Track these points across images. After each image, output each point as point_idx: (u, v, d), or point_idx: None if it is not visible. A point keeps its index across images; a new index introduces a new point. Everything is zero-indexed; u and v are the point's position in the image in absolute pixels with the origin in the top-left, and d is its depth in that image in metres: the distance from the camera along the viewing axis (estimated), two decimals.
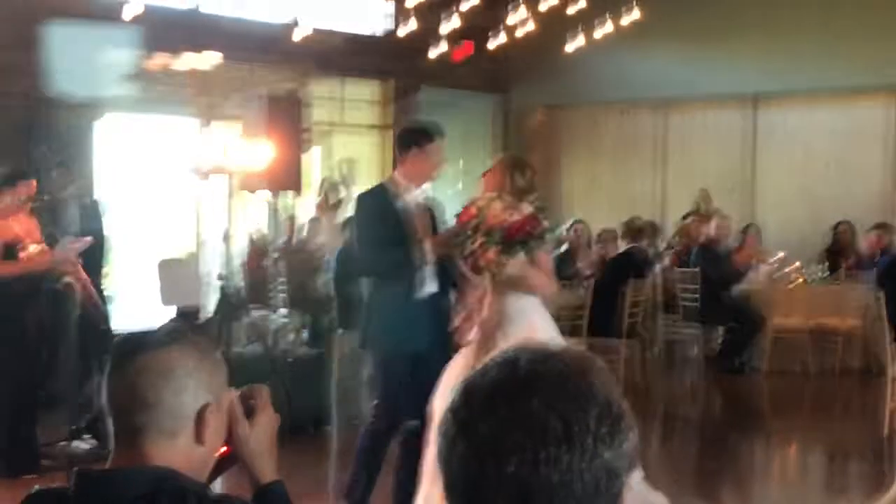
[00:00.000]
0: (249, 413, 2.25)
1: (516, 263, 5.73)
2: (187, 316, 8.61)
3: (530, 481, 1.30)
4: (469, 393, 1.38)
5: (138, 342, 2.10)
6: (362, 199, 6.46)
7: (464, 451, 1.34)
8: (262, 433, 2.25)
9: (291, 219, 14.02)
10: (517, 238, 5.65)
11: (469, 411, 1.36)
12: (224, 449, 2.20)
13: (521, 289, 5.78)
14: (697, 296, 12.22)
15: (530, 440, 1.31)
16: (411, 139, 6.28)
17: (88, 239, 7.95)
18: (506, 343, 5.64)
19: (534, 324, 5.78)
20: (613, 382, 1.40)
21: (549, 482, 1.30)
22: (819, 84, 15.01)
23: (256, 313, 10.52)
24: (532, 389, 1.34)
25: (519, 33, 14.35)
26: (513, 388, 1.35)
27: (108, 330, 7.64)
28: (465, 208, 5.76)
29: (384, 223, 6.15)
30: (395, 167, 6.50)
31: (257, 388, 2.32)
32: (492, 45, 15.49)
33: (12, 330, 7.64)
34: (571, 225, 13.33)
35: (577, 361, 1.39)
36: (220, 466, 2.21)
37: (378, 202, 6.23)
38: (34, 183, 7.90)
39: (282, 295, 11.92)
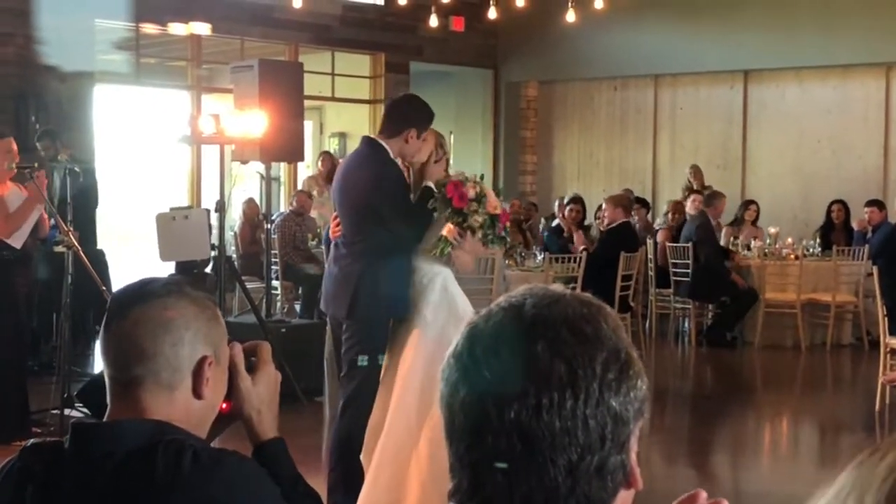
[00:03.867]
0: (251, 370, 2.22)
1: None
2: (187, 271, 8.55)
3: (532, 427, 1.28)
4: (472, 337, 1.35)
5: (136, 293, 2.07)
6: (387, 167, 5.87)
7: (465, 396, 1.32)
8: (263, 390, 2.22)
9: (293, 190, 14.04)
10: (501, 229, 5.71)
11: (472, 356, 1.33)
12: (225, 405, 2.17)
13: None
14: (689, 270, 12.23)
15: (533, 385, 1.28)
16: (412, 120, 5.85)
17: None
18: (427, 311, 5.71)
19: (450, 291, 5.82)
20: (622, 329, 1.37)
21: (551, 428, 1.28)
22: (812, 61, 15.02)
23: (249, 284, 10.51)
24: (536, 333, 1.31)
25: (510, 8, 14.29)
26: (517, 332, 1.32)
27: (104, 295, 7.58)
28: (458, 184, 5.72)
29: (406, 193, 5.86)
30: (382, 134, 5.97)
31: (259, 343, 2.29)
32: (483, 19, 15.46)
33: (3, 296, 7.62)
34: (567, 202, 13.32)
35: (585, 306, 1.36)
36: (221, 422, 2.18)
37: (398, 171, 5.87)
38: (12, 142, 7.74)
39: (275, 266, 11.92)
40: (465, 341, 1.35)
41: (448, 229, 5.74)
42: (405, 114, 5.93)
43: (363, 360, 5.78)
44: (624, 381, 1.32)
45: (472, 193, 5.67)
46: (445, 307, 5.78)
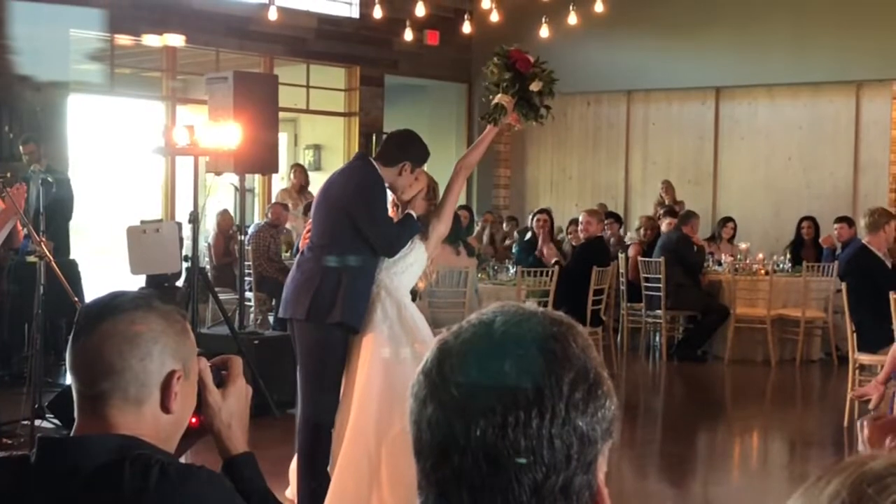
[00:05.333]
0: (221, 383, 2.22)
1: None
2: (157, 285, 8.52)
3: (498, 445, 1.27)
4: (442, 353, 1.35)
5: (104, 307, 2.07)
6: (373, 181, 5.90)
7: (432, 413, 1.32)
8: (233, 404, 2.22)
9: (268, 202, 14.01)
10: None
11: (440, 373, 1.33)
12: (194, 419, 2.17)
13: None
14: (660, 285, 12.28)
15: (500, 403, 1.28)
16: (409, 154, 5.94)
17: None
18: (384, 326, 5.76)
19: (408, 308, 5.90)
20: (592, 348, 1.36)
21: (517, 446, 1.27)
22: (783, 78, 15.12)
23: (223, 295, 10.49)
24: (505, 352, 1.31)
25: (484, 22, 14.36)
26: (485, 349, 1.32)
27: (76, 306, 7.55)
28: (520, 52, 6.15)
29: (385, 206, 5.95)
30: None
31: (229, 357, 2.29)
32: (458, 33, 15.50)
33: None
34: (535, 214, 13.35)
35: (556, 325, 1.35)
36: (191, 437, 2.18)
37: (383, 187, 5.94)
38: None
39: (248, 278, 11.90)
40: (435, 358, 1.35)
41: (503, 98, 6.03)
42: (403, 147, 6.01)
43: (320, 365, 5.80)
44: (592, 401, 1.32)
45: (532, 59, 6.03)
46: (401, 324, 5.81)
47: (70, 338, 2.09)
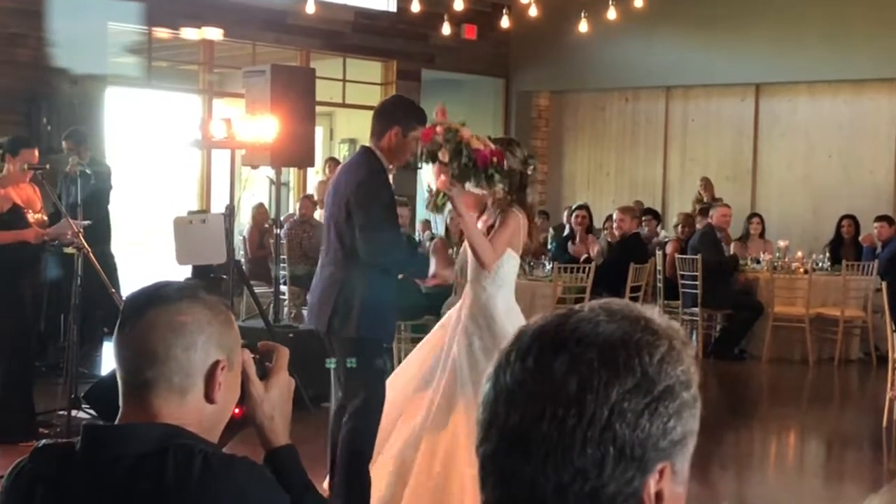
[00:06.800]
0: (264, 375, 2.22)
1: (473, 224, 5.74)
2: (203, 276, 8.52)
3: (531, 435, 1.27)
4: (516, 338, 1.36)
5: (150, 297, 2.07)
6: (372, 175, 5.76)
7: (488, 392, 1.33)
8: (276, 396, 2.22)
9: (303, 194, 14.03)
10: (484, 167, 5.57)
11: (507, 356, 1.34)
12: (237, 410, 2.16)
13: (474, 248, 5.77)
14: (696, 282, 12.21)
15: (542, 395, 1.27)
16: (396, 118, 5.77)
17: (85, 223, 7.87)
18: (491, 339, 5.69)
19: (515, 322, 5.77)
20: (679, 364, 1.32)
21: (548, 440, 1.26)
22: (824, 75, 15.00)
23: (257, 289, 10.50)
24: (564, 347, 1.29)
25: (523, 17, 14.31)
26: (549, 341, 1.31)
27: (113, 297, 7.59)
28: (429, 128, 5.64)
29: (385, 204, 5.74)
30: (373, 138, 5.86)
31: (276, 346, 2.28)
32: (496, 28, 15.47)
33: (9, 298, 7.63)
34: (573, 210, 13.31)
35: (640, 332, 1.31)
36: (233, 428, 2.18)
37: (382, 180, 5.76)
38: (36, 151, 7.89)
39: (283, 271, 11.90)
40: (511, 340, 1.36)
41: (436, 179, 5.63)
42: (389, 112, 5.85)
43: (351, 363, 5.71)
44: (646, 416, 1.28)
45: (439, 130, 5.61)
46: (492, 337, 5.75)
47: (116, 327, 2.09)
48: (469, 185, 5.64)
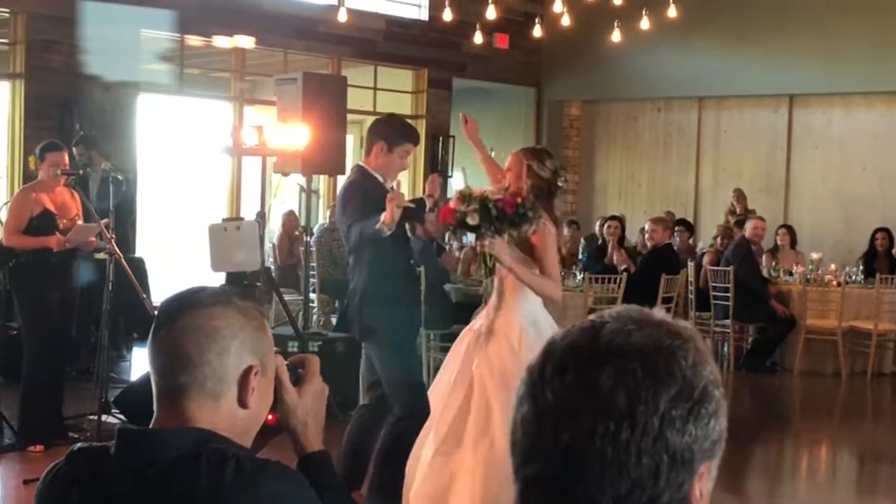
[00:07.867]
0: (297, 382, 2.23)
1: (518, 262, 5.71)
2: (237, 282, 8.53)
3: (584, 453, 1.26)
4: (545, 354, 1.34)
5: (184, 302, 2.08)
6: (360, 180, 6.01)
7: (527, 412, 1.32)
8: (309, 402, 2.23)
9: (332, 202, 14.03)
10: (514, 209, 5.56)
11: (541, 373, 1.32)
12: (271, 416, 2.17)
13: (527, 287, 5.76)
14: (728, 294, 12.14)
15: (591, 411, 1.27)
16: (381, 134, 5.98)
17: (104, 220, 7.84)
18: (527, 353, 5.64)
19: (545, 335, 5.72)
20: (707, 364, 1.34)
21: (603, 456, 1.26)
22: (858, 87, 14.90)
23: (287, 296, 10.51)
24: (605, 360, 1.29)
25: (555, 26, 14.29)
26: (586, 355, 1.30)
27: (145, 303, 7.60)
28: (444, 207, 5.71)
29: (368, 199, 5.85)
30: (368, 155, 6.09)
31: (306, 356, 2.30)
32: (528, 37, 15.45)
33: (40, 303, 7.65)
34: (605, 221, 13.28)
35: (669, 337, 1.33)
36: (267, 434, 2.18)
37: (371, 185, 5.93)
38: (65, 155, 7.88)
39: (312, 279, 11.92)
40: (540, 357, 1.35)
41: (477, 245, 5.73)
42: (375, 129, 6.11)
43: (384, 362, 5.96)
44: (692, 420, 1.30)
45: (452, 204, 5.65)
46: (521, 347, 5.74)
47: (151, 332, 2.09)
48: (509, 239, 5.64)
